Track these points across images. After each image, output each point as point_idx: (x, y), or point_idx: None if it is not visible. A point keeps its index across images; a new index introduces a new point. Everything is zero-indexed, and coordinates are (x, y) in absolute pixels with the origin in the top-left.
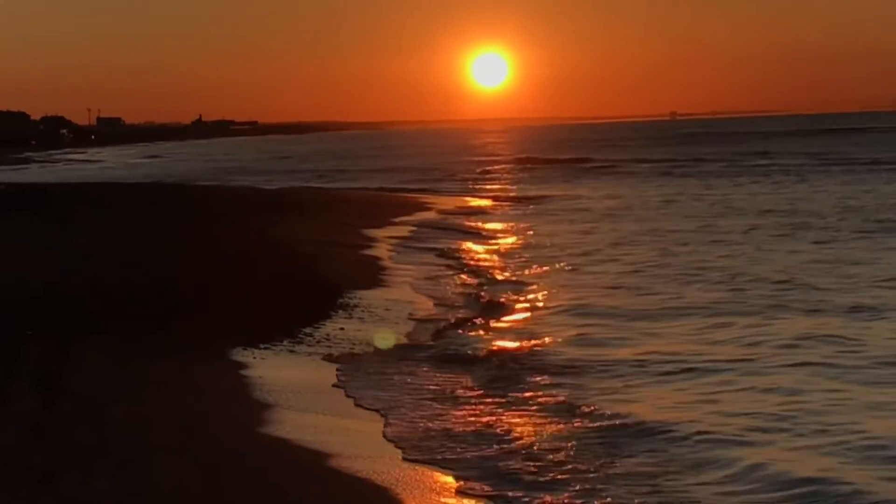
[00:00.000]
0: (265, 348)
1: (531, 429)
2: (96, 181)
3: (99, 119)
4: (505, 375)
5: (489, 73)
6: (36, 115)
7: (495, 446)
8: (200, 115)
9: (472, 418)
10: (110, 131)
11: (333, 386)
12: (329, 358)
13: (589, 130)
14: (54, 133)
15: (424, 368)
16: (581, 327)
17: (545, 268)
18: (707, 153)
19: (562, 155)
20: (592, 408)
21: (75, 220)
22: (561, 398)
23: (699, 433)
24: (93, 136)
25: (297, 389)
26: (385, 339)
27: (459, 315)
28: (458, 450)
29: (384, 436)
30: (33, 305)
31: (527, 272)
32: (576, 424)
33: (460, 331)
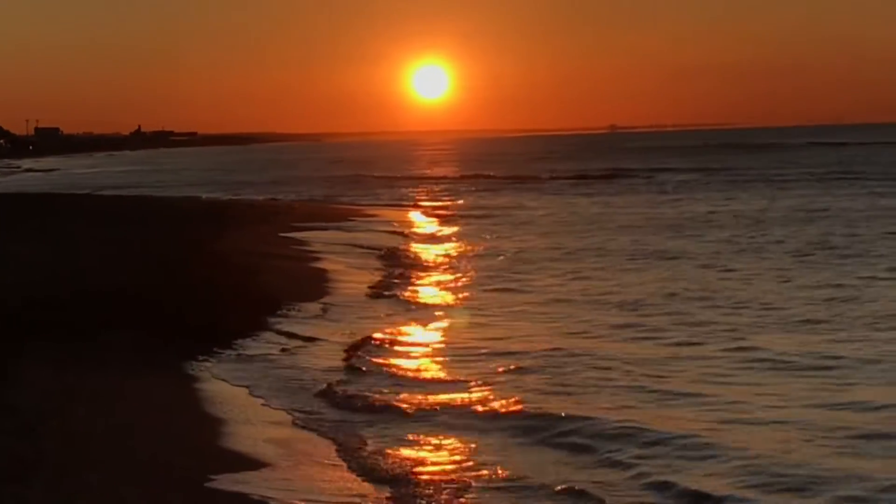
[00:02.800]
0: (204, 360)
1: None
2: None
3: (37, 129)
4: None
5: (430, 84)
6: None
7: None
8: (139, 126)
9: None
10: (48, 141)
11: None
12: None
13: (520, 143)
14: None
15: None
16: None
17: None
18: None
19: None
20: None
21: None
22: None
23: None
24: (30, 147)
25: (238, 401)
26: None
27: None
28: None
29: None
30: None
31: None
32: None
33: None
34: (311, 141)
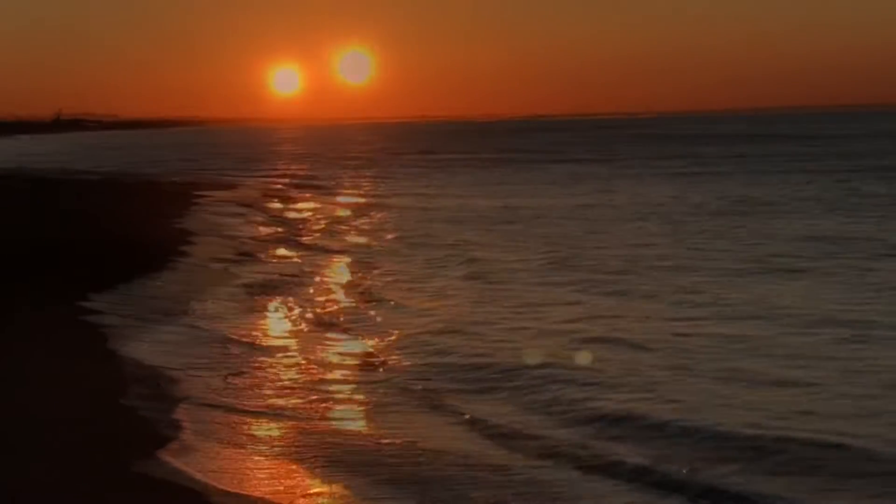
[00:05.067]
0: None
1: None
2: None
3: None
4: None
5: (355, 71)
6: None
7: None
8: (60, 111)
9: None
10: None
11: None
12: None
13: (428, 130)
14: None
15: None
16: None
17: None
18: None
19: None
20: None
21: None
22: None
23: None
24: None
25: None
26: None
27: None
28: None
29: None
30: None
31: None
32: None
33: None
34: (233, 125)
